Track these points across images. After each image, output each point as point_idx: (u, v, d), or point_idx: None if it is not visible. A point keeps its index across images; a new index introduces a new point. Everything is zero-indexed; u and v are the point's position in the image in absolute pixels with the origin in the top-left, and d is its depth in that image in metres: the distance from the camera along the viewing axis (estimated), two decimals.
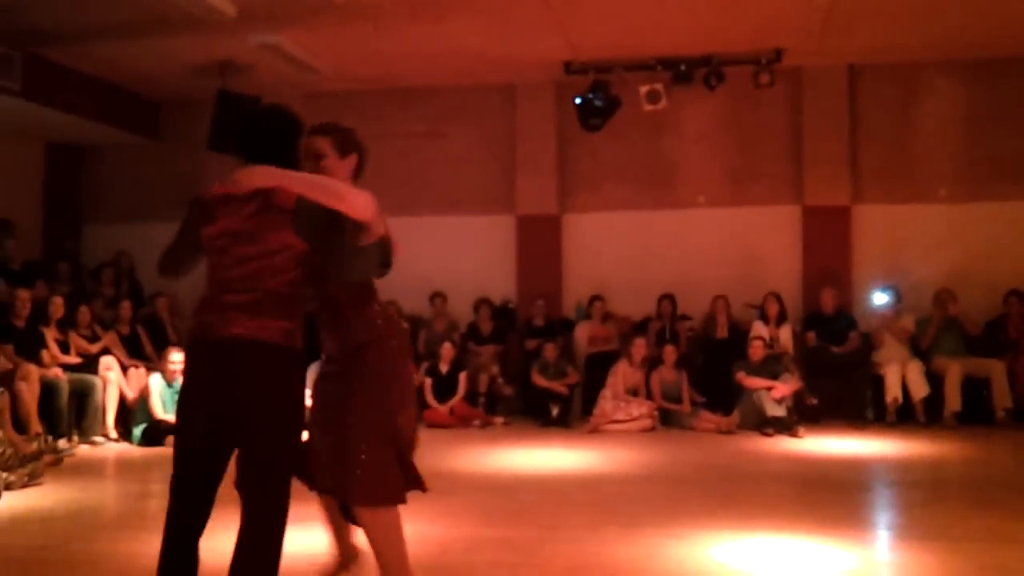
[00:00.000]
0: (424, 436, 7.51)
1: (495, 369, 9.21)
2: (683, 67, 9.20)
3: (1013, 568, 3.83)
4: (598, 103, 9.20)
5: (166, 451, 7.38)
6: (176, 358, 8.04)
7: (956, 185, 9.38)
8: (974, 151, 9.37)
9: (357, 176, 3.15)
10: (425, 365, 8.99)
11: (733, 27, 8.45)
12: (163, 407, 7.84)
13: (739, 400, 8.24)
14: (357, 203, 2.68)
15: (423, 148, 10.29)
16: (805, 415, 8.26)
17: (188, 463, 2.71)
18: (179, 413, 2.81)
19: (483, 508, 5.11)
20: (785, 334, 8.82)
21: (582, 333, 9.45)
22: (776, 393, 8.00)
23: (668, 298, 9.34)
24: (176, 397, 7.86)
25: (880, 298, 8.88)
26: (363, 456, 2.89)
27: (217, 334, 2.66)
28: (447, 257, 10.01)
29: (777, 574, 3.79)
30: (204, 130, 9.15)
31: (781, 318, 8.89)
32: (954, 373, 8.26)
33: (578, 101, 9.29)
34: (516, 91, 10.14)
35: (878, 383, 8.46)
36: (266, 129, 2.89)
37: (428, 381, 8.87)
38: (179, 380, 7.88)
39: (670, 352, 8.62)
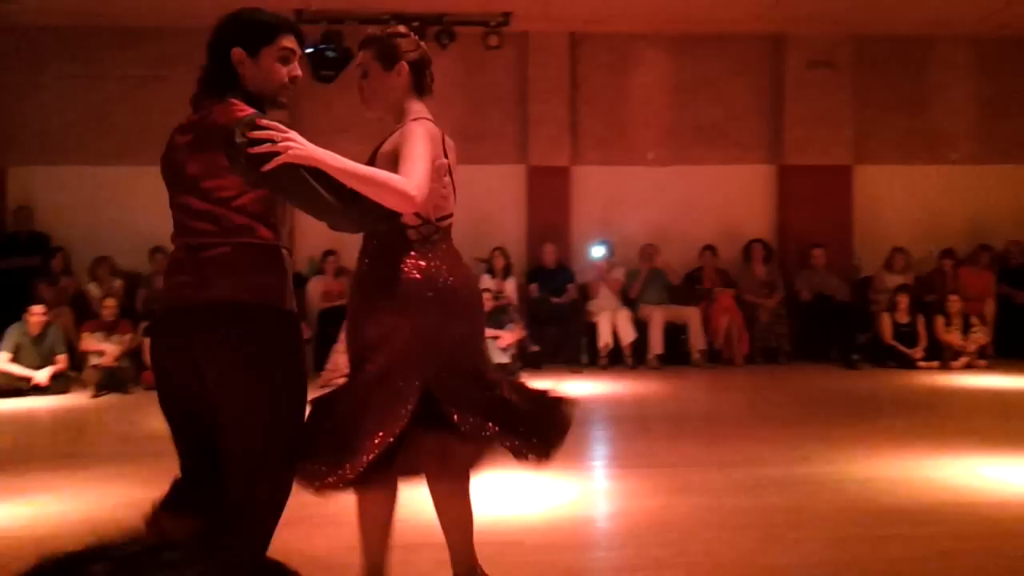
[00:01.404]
0: (141, 399, 7.22)
1: None
2: (416, 23, 9.27)
3: (704, 487, 4.37)
4: (330, 54, 9.06)
5: None
6: None
7: (661, 149, 10.28)
8: (677, 118, 10.29)
9: (420, 91, 2.69)
10: (144, 325, 8.50)
11: None
12: None
13: None
14: (388, 193, 2.30)
15: (143, 93, 9.62)
16: (528, 361, 8.78)
17: None
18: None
19: None
20: (510, 287, 9.28)
21: (315, 288, 9.37)
22: (502, 342, 8.42)
23: None
24: None
25: (596, 252, 9.57)
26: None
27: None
28: (168, 210, 9.51)
29: (502, 508, 4.04)
30: None
31: (507, 272, 9.34)
32: (657, 320, 9.13)
33: (309, 51, 9.09)
34: None
35: (592, 330, 9.16)
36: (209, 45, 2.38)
37: (147, 341, 8.40)
38: None
39: None
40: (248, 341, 2.30)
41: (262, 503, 2.36)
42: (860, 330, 9.19)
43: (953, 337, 8.91)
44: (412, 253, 2.58)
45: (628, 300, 9.41)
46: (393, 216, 2.42)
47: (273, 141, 2.22)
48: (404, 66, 2.65)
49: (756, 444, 5.36)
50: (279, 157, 2.20)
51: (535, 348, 9.00)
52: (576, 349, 9.22)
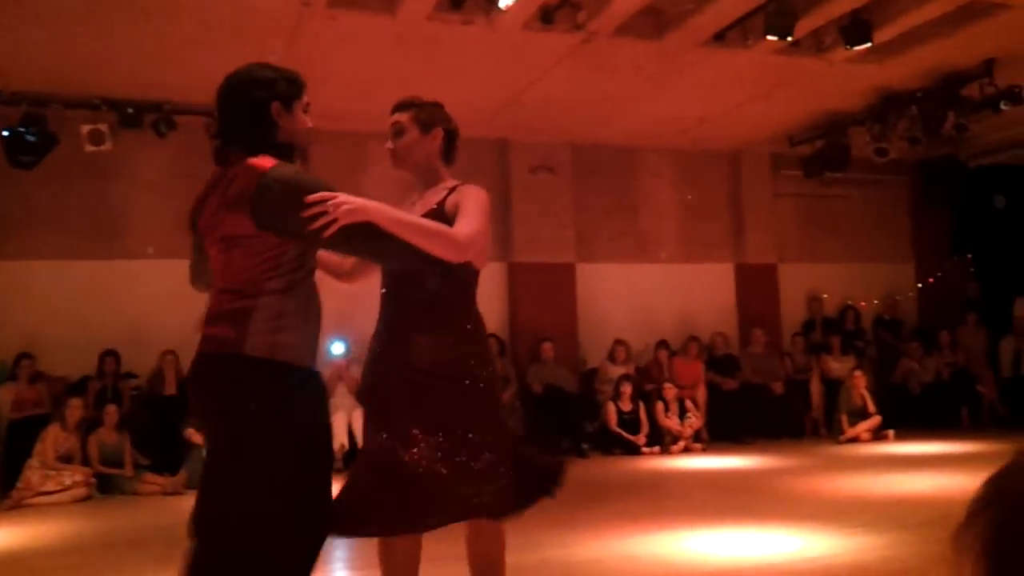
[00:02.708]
0: None
1: None
2: (131, 110, 8.75)
3: None
4: (30, 138, 8.30)
5: None
6: None
7: None
8: None
9: (448, 158, 2.85)
10: None
11: (185, 76, 8.29)
12: None
13: (188, 458, 7.89)
14: (441, 243, 2.42)
15: None
16: None
17: None
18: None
19: None
20: None
21: (5, 396, 8.27)
22: None
23: (111, 355, 8.65)
24: None
25: (336, 349, 9.26)
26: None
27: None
28: None
29: None
30: None
31: None
32: None
33: (5, 134, 8.28)
34: None
35: None
36: (228, 96, 2.42)
37: None
38: None
39: (111, 413, 7.96)
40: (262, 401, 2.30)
41: None
42: (588, 419, 9.53)
43: (671, 423, 9.47)
44: (460, 297, 2.73)
45: None
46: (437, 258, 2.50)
47: (326, 212, 2.30)
48: (440, 132, 2.82)
49: None
50: (335, 224, 2.29)
51: None
52: None
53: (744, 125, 10.53)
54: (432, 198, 2.77)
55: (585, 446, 9.17)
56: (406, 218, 2.45)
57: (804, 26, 7.49)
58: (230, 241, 2.37)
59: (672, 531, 5.11)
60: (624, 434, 9.28)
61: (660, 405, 9.54)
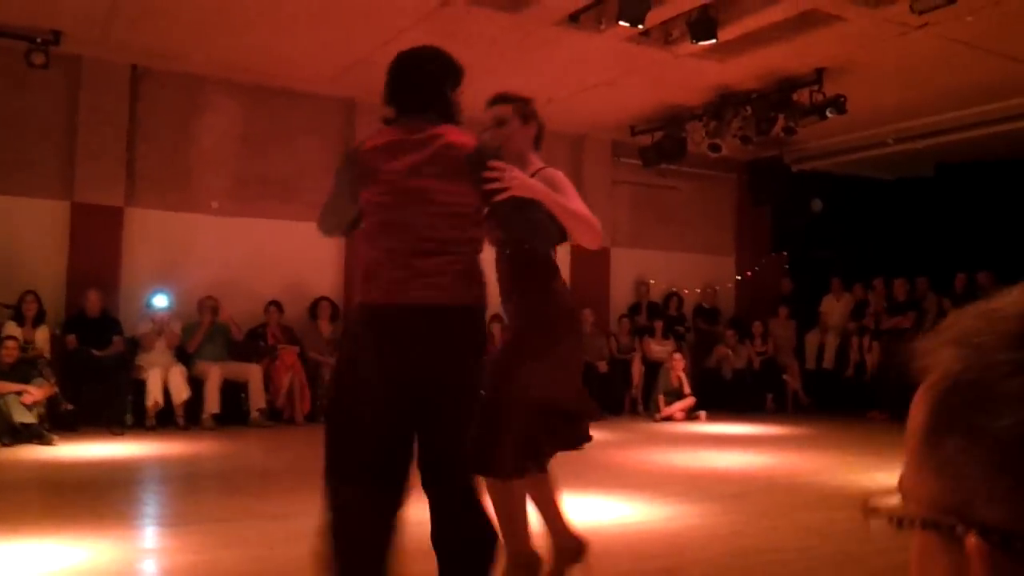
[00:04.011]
0: None
1: None
2: None
3: (257, 539, 4.10)
4: None
5: None
6: None
7: (228, 199, 9.83)
8: (245, 169, 9.95)
9: (538, 147, 3.18)
10: None
11: None
12: None
13: None
14: (589, 229, 2.75)
15: None
16: (60, 422, 7.69)
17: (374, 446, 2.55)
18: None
19: None
20: (42, 336, 8.12)
21: None
22: (28, 398, 7.27)
23: None
24: None
25: (159, 302, 8.77)
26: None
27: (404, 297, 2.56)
28: None
29: None
30: None
31: (39, 319, 8.16)
32: (214, 377, 8.57)
33: None
34: None
35: (141, 388, 8.32)
36: (419, 71, 2.70)
37: None
38: None
39: None
40: (476, 341, 2.64)
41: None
42: None
43: None
44: (558, 275, 3.12)
45: (183, 355, 8.73)
46: (560, 241, 2.90)
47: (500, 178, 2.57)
48: (535, 124, 3.20)
49: (311, 495, 5.14)
50: (507, 191, 2.56)
51: (69, 407, 7.90)
52: (120, 408, 8.27)
53: (590, 110, 10.74)
54: None
55: None
56: (564, 201, 2.76)
57: (655, 16, 7.68)
58: (431, 197, 2.57)
59: None
60: None
61: None
